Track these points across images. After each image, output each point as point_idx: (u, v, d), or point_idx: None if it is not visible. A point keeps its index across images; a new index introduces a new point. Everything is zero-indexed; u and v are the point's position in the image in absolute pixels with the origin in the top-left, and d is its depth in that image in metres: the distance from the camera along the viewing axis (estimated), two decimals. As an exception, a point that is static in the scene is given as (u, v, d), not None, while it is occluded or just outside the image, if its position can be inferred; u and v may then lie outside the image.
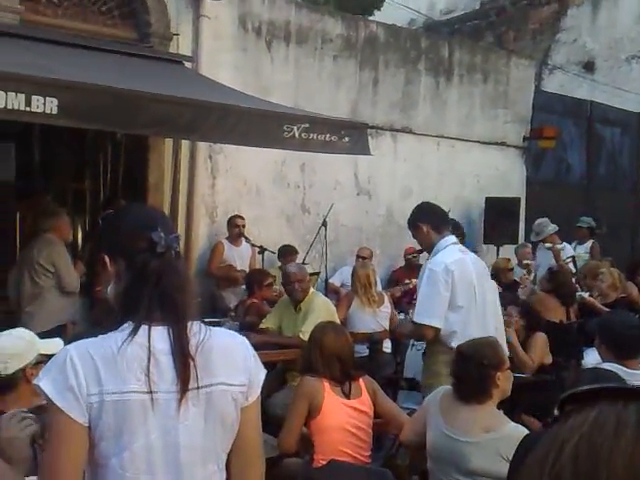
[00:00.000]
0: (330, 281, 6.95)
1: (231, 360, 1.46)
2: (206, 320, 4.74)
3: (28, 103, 3.81)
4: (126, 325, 1.40)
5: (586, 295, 6.22)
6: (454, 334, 3.42)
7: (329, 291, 6.74)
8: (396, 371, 5.26)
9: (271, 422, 3.65)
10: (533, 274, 6.95)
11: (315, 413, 3.10)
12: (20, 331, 2.32)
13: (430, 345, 3.56)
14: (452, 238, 3.68)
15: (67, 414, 1.33)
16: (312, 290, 4.72)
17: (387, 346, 5.55)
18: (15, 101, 3.77)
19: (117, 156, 6.67)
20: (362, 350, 5.16)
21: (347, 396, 3.17)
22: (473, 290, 3.54)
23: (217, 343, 1.45)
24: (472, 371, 2.71)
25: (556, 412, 0.66)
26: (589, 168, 9.73)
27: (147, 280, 1.40)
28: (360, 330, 5.27)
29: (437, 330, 3.46)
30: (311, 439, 3.12)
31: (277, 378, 4.61)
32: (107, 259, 1.48)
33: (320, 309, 4.53)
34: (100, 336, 1.41)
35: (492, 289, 3.85)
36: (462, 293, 3.49)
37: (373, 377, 3.44)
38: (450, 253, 3.57)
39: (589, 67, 13.36)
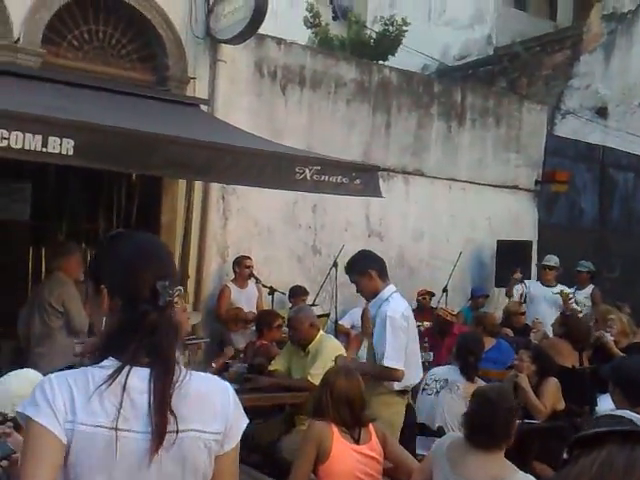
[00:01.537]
0: (340, 322, 6.90)
1: (207, 406, 1.43)
2: (213, 363, 4.68)
3: (45, 144, 3.89)
4: (107, 362, 1.40)
5: (608, 337, 6.08)
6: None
7: (339, 333, 6.69)
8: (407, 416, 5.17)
9: (279, 466, 3.60)
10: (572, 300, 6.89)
11: (324, 458, 3.05)
12: (25, 372, 2.32)
13: (369, 387, 3.56)
14: (393, 286, 3.89)
15: (48, 429, 1.32)
16: (321, 332, 4.68)
17: (398, 390, 5.47)
18: (32, 142, 3.85)
19: (131, 196, 6.75)
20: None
21: (356, 441, 3.12)
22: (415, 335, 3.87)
23: (194, 388, 1.42)
24: (499, 416, 2.64)
25: (565, 455, 0.66)
26: (602, 212, 9.71)
27: (142, 330, 1.39)
28: (370, 373, 5.20)
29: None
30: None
31: (286, 422, 4.56)
32: (104, 290, 1.45)
33: (328, 351, 4.50)
34: (81, 368, 1.41)
35: None
36: (412, 338, 3.79)
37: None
38: (400, 301, 3.84)
39: (602, 113, 13.43)
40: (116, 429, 1.34)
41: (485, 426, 2.65)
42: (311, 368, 4.42)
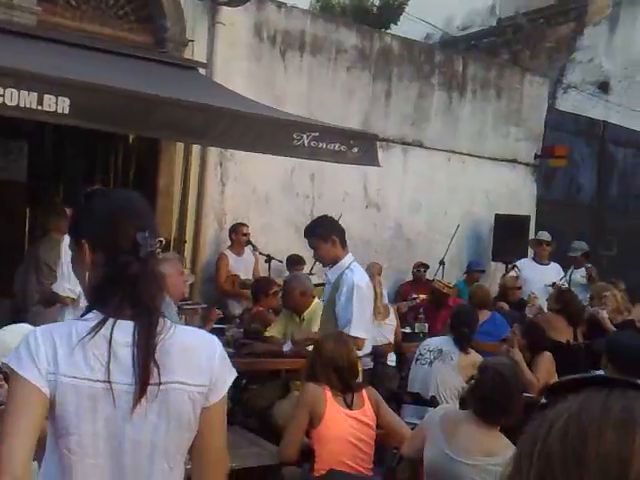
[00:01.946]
0: (336, 292, 6.91)
1: (192, 360, 1.44)
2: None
3: (40, 102, 3.83)
4: (92, 315, 1.42)
5: (604, 312, 6.10)
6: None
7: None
8: (400, 385, 5.21)
9: (274, 432, 3.62)
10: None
11: (316, 422, 3.06)
12: (19, 326, 2.31)
13: None
14: (352, 255, 3.91)
15: (30, 382, 1.35)
16: (316, 300, 4.68)
17: (392, 359, 5.51)
18: (27, 99, 3.79)
19: (128, 159, 6.69)
20: (366, 362, 5.11)
21: (349, 407, 3.13)
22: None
23: (179, 341, 1.44)
24: (514, 395, 2.61)
25: (543, 401, 0.66)
26: (600, 188, 9.68)
27: (124, 281, 1.41)
28: (365, 342, 5.22)
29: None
30: (312, 448, 3.08)
31: (281, 387, 4.58)
32: (86, 245, 1.46)
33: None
34: (67, 321, 1.43)
35: None
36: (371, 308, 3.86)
37: (378, 390, 3.41)
38: (361, 270, 3.87)
39: (604, 87, 13.32)
40: (109, 382, 1.36)
41: (500, 404, 2.59)
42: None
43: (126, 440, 1.39)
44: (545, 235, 7.40)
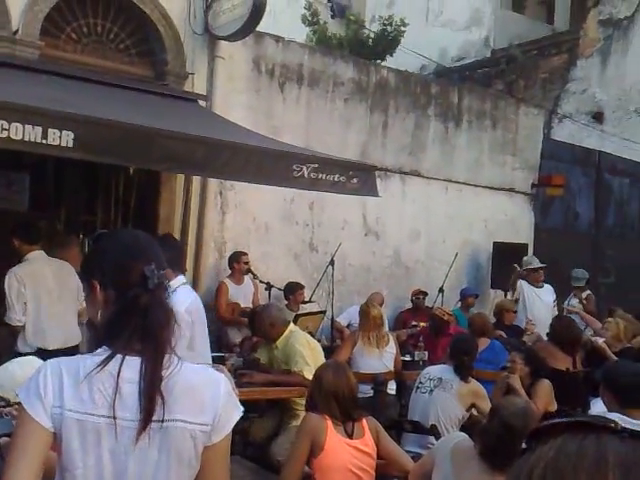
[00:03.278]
0: (337, 320, 6.93)
1: (195, 398, 1.45)
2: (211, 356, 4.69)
3: (45, 136, 3.90)
4: (100, 350, 1.45)
5: (600, 341, 6.15)
6: None
7: (335, 329, 6.72)
8: (400, 413, 5.19)
9: (275, 469, 3.60)
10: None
11: (318, 451, 3.06)
12: (29, 359, 2.33)
13: None
14: (183, 278, 3.67)
15: (34, 418, 1.39)
16: (290, 328, 4.70)
17: (392, 388, 5.50)
18: (32, 133, 3.85)
19: (129, 190, 6.75)
20: (366, 391, 5.11)
21: (350, 436, 3.13)
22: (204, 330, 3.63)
23: (184, 379, 1.46)
24: (519, 444, 2.57)
25: (524, 445, 0.70)
26: (597, 217, 9.76)
27: (135, 314, 1.44)
28: (364, 370, 5.23)
29: None
30: (313, 478, 3.08)
31: (280, 417, 4.57)
32: (97, 285, 1.50)
33: (302, 343, 4.56)
34: (77, 356, 1.48)
35: None
36: (200, 332, 3.54)
37: (377, 418, 3.41)
38: (187, 293, 3.57)
39: (598, 117, 13.50)
40: (114, 417, 1.39)
41: (505, 453, 2.50)
42: (292, 364, 4.48)
43: (128, 475, 1.41)
44: (535, 261, 7.46)
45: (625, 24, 13.72)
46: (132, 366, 1.42)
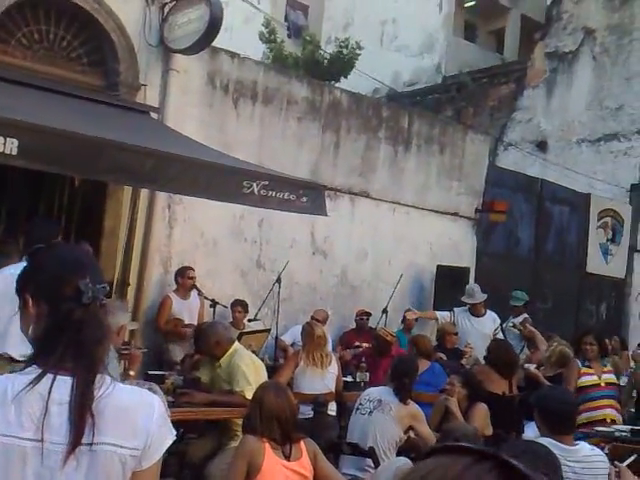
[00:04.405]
0: (281, 338, 6.93)
1: (127, 421, 1.41)
2: (150, 373, 4.65)
3: (-12, 142, 3.81)
4: (31, 369, 1.41)
5: (532, 367, 6.36)
6: None
7: (279, 348, 6.72)
8: (340, 435, 5.22)
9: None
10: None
11: (254, 473, 3.06)
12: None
13: None
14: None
15: None
16: (234, 346, 4.68)
17: (332, 409, 5.52)
18: (-25, 140, 3.76)
19: (74, 199, 6.62)
20: (306, 411, 5.13)
21: (287, 458, 3.14)
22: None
23: (116, 401, 1.41)
24: None
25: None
26: (537, 243, 10.08)
27: (67, 329, 1.40)
28: (306, 391, 5.24)
29: None
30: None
31: (219, 438, 4.53)
32: (30, 300, 1.46)
33: (247, 363, 4.53)
34: (6, 375, 1.42)
35: None
36: None
37: (317, 440, 3.42)
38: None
39: (542, 146, 14.00)
40: (40, 440, 1.35)
41: None
42: (234, 384, 4.43)
43: None
44: (476, 293, 7.35)
45: (570, 57, 14.31)
46: (63, 386, 1.38)
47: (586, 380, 5.47)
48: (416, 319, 7.68)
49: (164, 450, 1.45)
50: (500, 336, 7.08)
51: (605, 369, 5.60)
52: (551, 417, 3.17)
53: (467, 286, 7.72)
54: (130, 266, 6.40)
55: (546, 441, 3.11)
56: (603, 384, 5.48)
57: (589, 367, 5.53)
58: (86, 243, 5.90)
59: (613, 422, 5.36)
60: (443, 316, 7.31)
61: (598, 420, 5.25)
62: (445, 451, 0.69)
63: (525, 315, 7.68)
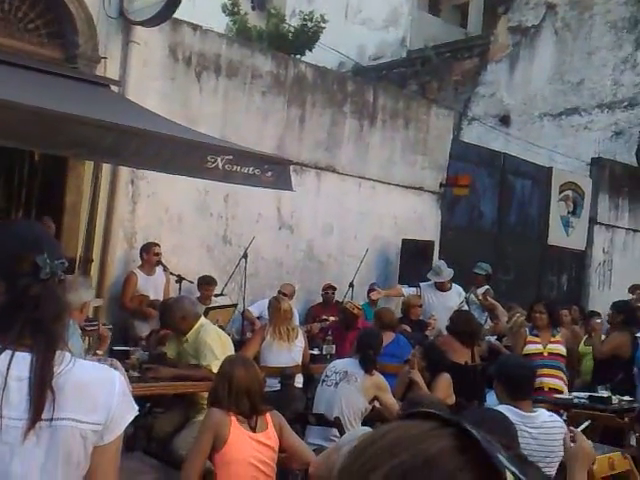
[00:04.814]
0: (248, 309, 6.92)
1: (88, 396, 1.41)
2: (115, 349, 4.63)
3: (-59, 116, 3.70)
4: None
5: (493, 339, 6.53)
6: None
7: (246, 319, 6.73)
8: (307, 407, 5.29)
9: (177, 465, 3.59)
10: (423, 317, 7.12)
11: (220, 445, 3.09)
12: None
13: None
14: None
15: None
16: (200, 321, 4.69)
17: (299, 381, 5.59)
18: None
19: (33, 174, 6.49)
20: (273, 384, 5.18)
21: (253, 429, 3.18)
22: None
23: (76, 377, 1.41)
24: None
25: None
26: (500, 216, 10.23)
27: (25, 305, 1.40)
28: (272, 364, 5.29)
29: None
30: (214, 472, 3.11)
31: (186, 411, 4.55)
32: None
33: (213, 338, 4.55)
34: None
35: None
36: None
37: (283, 412, 3.47)
38: None
39: (505, 121, 14.16)
40: (0, 417, 1.34)
41: None
42: (201, 358, 4.45)
43: (13, 476, 1.36)
44: (443, 271, 7.47)
45: (532, 32, 14.43)
46: (22, 362, 1.38)
47: (531, 348, 5.52)
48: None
49: (125, 425, 1.46)
50: (465, 308, 7.22)
51: (553, 339, 5.61)
52: (509, 383, 3.26)
53: (434, 264, 7.84)
54: (93, 242, 6.32)
55: (505, 408, 3.21)
56: (546, 353, 5.50)
57: (536, 336, 5.58)
58: (49, 219, 5.82)
59: (554, 391, 5.45)
60: (410, 292, 7.42)
61: (536, 388, 5.37)
62: (411, 417, 0.71)
63: (487, 287, 7.83)
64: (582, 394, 5.57)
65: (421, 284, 7.54)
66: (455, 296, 7.47)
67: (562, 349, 5.66)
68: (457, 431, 0.67)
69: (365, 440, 0.70)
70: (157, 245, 6.40)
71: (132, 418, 1.48)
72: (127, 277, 6.33)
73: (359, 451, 0.69)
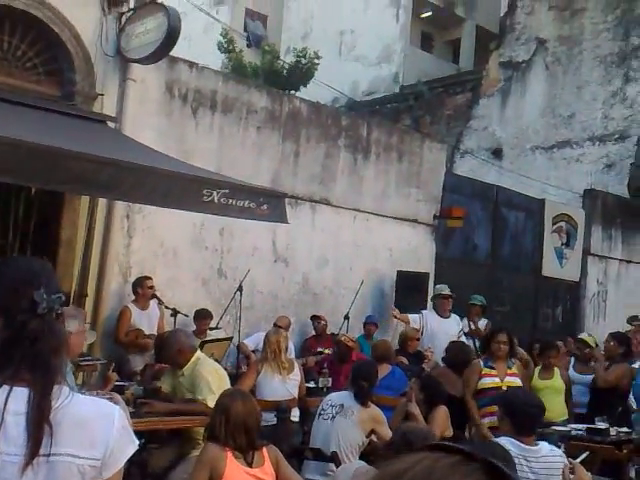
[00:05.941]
0: (244, 342, 6.89)
1: (86, 431, 1.41)
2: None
3: (-61, 153, 3.74)
4: None
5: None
6: None
7: (240, 351, 6.71)
8: (303, 441, 5.24)
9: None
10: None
11: (216, 481, 3.06)
12: None
13: None
14: None
15: None
16: (197, 354, 4.68)
17: (295, 415, 5.55)
18: None
19: (29, 209, 6.51)
20: (269, 418, 5.14)
21: (250, 465, 3.15)
22: None
23: (74, 412, 1.41)
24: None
25: None
26: (494, 248, 10.29)
27: (23, 341, 1.41)
28: (268, 397, 5.26)
29: None
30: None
31: (181, 447, 4.51)
32: None
33: (210, 371, 4.53)
34: None
35: None
36: None
37: (279, 446, 3.44)
38: None
39: (497, 154, 14.34)
40: None
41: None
42: (197, 392, 4.43)
43: None
44: (446, 289, 7.74)
45: (523, 67, 14.71)
46: (20, 397, 1.38)
47: (487, 382, 5.16)
48: (377, 326, 7.85)
49: (125, 460, 1.45)
50: (463, 339, 7.23)
51: (509, 371, 5.22)
52: (517, 419, 3.27)
53: (436, 286, 8.03)
54: (88, 277, 6.32)
55: (507, 440, 3.22)
56: (505, 387, 5.05)
57: (492, 368, 5.20)
58: (44, 258, 5.82)
59: None
60: (414, 319, 7.45)
61: (496, 427, 4.34)
62: (433, 449, 0.72)
63: (486, 320, 7.86)
64: (580, 425, 5.54)
65: (423, 311, 7.61)
66: (455, 324, 7.54)
67: (519, 382, 5.23)
68: (484, 466, 0.69)
69: (389, 472, 0.70)
70: (149, 278, 6.39)
71: (132, 453, 1.47)
72: (121, 312, 6.32)
73: None
